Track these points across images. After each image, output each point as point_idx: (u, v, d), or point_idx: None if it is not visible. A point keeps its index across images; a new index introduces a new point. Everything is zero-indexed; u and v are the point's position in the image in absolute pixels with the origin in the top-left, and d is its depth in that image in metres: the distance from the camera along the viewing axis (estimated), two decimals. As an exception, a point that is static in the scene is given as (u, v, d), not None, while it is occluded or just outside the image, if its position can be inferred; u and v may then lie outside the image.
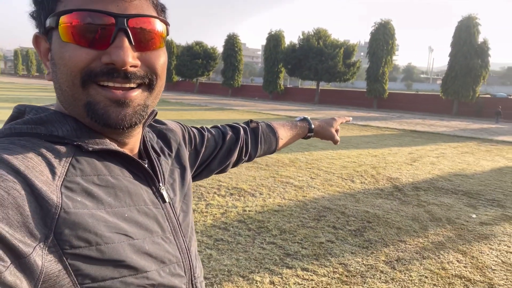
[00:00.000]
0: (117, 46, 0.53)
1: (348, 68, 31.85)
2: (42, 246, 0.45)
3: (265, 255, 3.64)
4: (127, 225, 0.55)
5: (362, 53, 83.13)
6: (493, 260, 3.79)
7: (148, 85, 0.59)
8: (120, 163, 0.60)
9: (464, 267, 3.63)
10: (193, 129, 0.95)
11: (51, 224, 0.47)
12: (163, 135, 0.80)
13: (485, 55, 24.76)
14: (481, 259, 3.80)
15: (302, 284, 3.18)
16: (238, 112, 22.57)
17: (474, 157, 9.95)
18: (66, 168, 0.52)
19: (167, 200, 0.66)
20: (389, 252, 3.85)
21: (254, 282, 3.16)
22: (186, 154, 0.83)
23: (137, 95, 0.57)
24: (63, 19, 0.53)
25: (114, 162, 0.59)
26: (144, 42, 0.56)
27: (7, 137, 0.53)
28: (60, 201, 0.48)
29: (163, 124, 0.83)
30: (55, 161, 0.52)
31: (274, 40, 35.07)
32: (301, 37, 33.25)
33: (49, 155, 0.52)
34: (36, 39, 0.59)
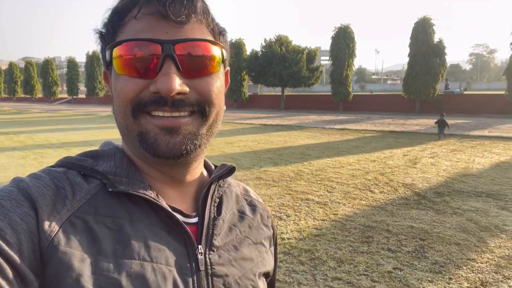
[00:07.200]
0: (163, 74, 0.51)
1: (312, 73, 32.07)
2: (41, 277, 0.45)
3: (338, 296, 3.08)
4: (128, 282, 0.47)
5: (321, 58, 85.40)
6: None
7: (200, 113, 0.55)
8: (153, 211, 0.54)
9: (553, 284, 3.28)
10: None
11: (39, 256, 0.45)
12: (253, 205, 0.72)
13: (442, 53, 25.83)
14: (562, 272, 3.48)
15: (402, 331, 2.65)
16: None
17: (465, 155, 9.99)
18: (81, 203, 0.51)
19: (201, 268, 0.54)
20: (467, 276, 3.42)
21: (348, 336, 2.59)
22: (268, 244, 0.70)
23: (187, 121, 0.53)
24: (115, 51, 0.53)
25: (143, 209, 0.54)
26: (194, 67, 0.53)
27: (57, 166, 0.56)
28: (53, 235, 0.46)
29: (261, 203, 0.75)
30: (72, 195, 0.51)
31: (236, 48, 34.61)
32: (264, 44, 33.11)
33: (70, 187, 0.52)
34: (104, 76, 0.61)
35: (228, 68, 0.64)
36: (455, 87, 32.92)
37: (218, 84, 0.56)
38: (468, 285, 3.27)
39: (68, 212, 0.49)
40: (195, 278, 0.54)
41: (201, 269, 0.54)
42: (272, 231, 0.73)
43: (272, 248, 0.73)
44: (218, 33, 0.58)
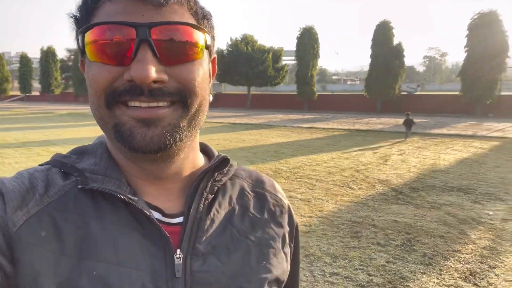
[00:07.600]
0: (138, 60, 0.46)
1: (278, 72, 32.34)
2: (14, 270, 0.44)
3: (339, 291, 3.10)
4: (88, 284, 0.45)
5: (283, 58, 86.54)
6: (550, 260, 3.74)
7: (181, 103, 0.50)
8: (128, 211, 0.50)
9: (533, 271, 3.49)
10: None
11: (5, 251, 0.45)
12: (263, 199, 0.64)
13: (401, 55, 26.96)
14: (539, 260, 3.72)
15: (406, 323, 2.71)
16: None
17: (430, 152, 10.47)
18: (53, 199, 0.49)
19: (178, 275, 0.49)
20: (456, 266, 3.57)
21: (356, 331, 2.61)
22: (281, 244, 0.63)
23: (166, 112, 0.48)
24: (87, 36, 0.48)
25: (118, 208, 0.50)
26: (173, 53, 0.48)
27: (45, 164, 0.55)
28: (16, 229, 0.45)
29: (277, 196, 0.66)
30: (45, 191, 0.50)
31: (200, 46, 34.28)
32: (230, 42, 32.96)
33: (44, 184, 0.50)
34: (81, 64, 0.54)
35: (215, 55, 0.59)
36: (407, 88, 34.34)
37: (200, 72, 0.51)
38: (458, 275, 3.41)
39: (37, 207, 0.48)
40: (170, 286, 0.49)
41: (177, 275, 0.49)
42: (288, 229, 0.65)
43: (288, 249, 0.64)
44: (202, 17, 0.54)
